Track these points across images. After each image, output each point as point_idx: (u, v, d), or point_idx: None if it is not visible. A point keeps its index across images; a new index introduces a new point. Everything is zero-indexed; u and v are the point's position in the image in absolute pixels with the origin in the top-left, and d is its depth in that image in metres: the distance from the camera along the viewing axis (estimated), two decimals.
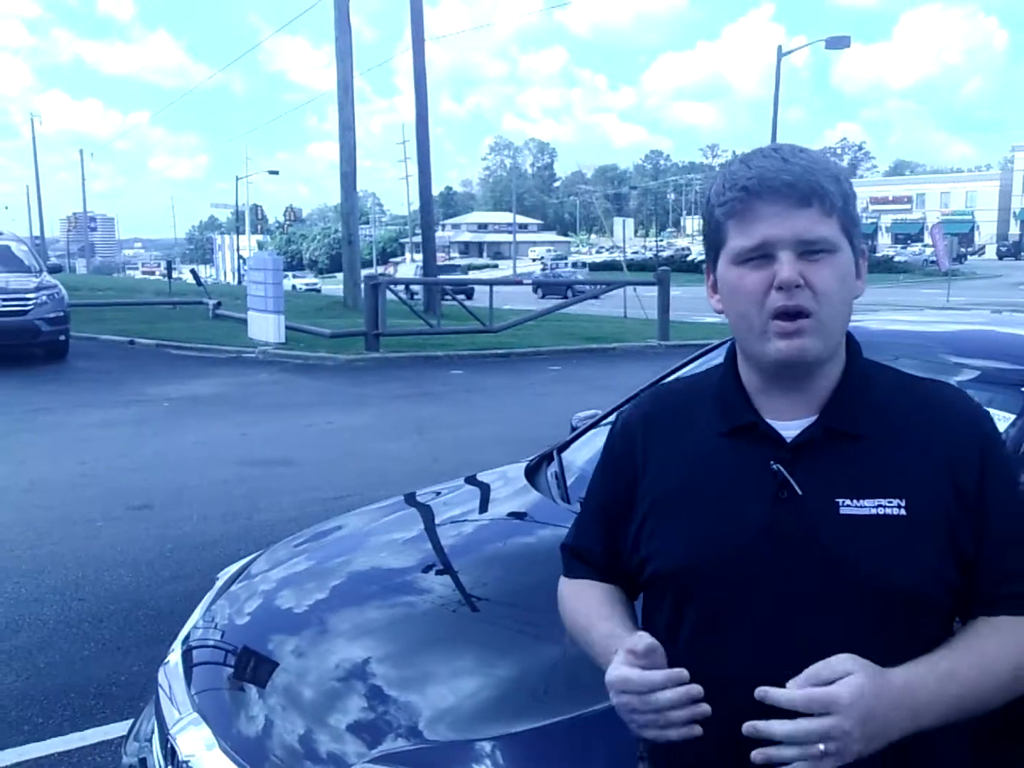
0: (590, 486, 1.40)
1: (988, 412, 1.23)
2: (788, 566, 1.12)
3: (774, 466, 1.15)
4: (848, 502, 1.12)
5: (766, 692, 1.02)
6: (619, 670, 1.09)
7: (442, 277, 26.33)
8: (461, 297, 16.45)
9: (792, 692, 1.01)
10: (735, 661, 1.12)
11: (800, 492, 1.13)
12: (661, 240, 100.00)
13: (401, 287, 18.97)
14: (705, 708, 1.06)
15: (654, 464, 1.26)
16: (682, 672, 1.07)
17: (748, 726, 1.02)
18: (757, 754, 1.02)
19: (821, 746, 1.00)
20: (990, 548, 1.14)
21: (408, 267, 50.04)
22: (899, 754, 1.06)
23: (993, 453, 1.17)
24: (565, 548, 1.42)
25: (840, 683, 1.01)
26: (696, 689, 1.06)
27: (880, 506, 1.12)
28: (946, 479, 1.14)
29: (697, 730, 1.07)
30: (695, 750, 1.11)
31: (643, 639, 1.10)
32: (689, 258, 69.67)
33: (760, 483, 1.16)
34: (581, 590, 1.34)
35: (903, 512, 1.11)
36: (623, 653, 1.11)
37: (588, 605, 1.31)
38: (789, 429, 1.18)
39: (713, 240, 1.19)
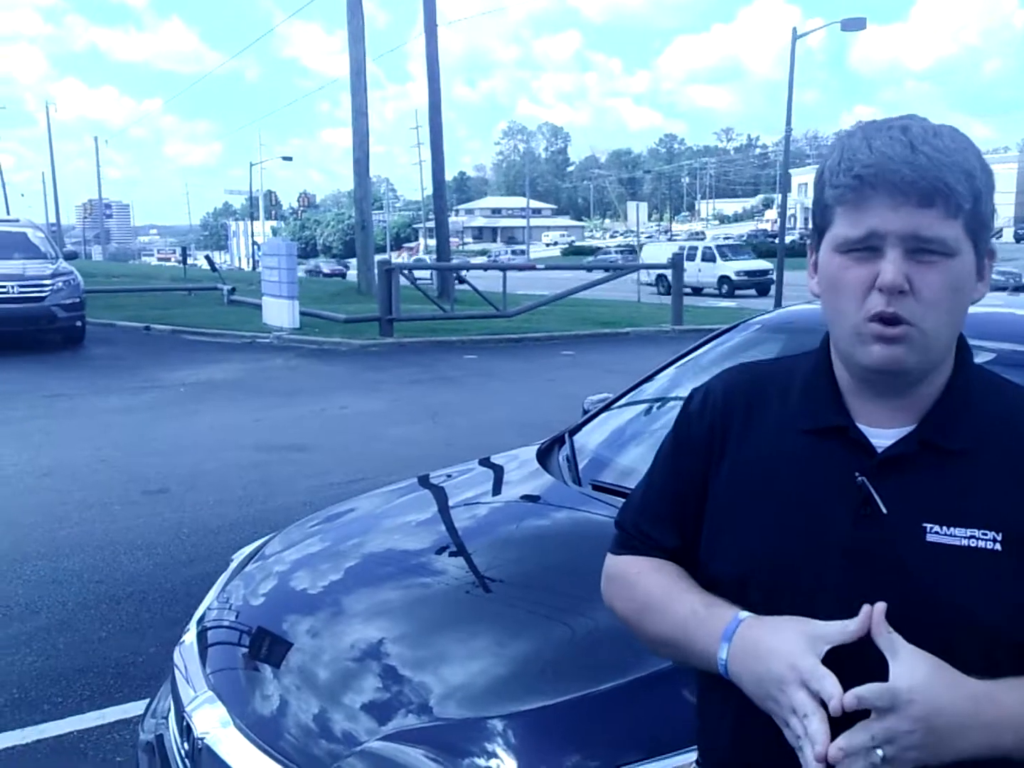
0: (656, 464, 1.27)
1: None
2: (862, 589, 1.01)
3: (859, 479, 1.04)
4: (937, 528, 1.01)
5: (854, 695, 0.93)
6: (813, 662, 0.96)
7: (455, 262, 26.31)
8: (474, 282, 16.43)
9: (862, 688, 0.92)
10: None
11: (885, 511, 1.02)
12: (673, 223, 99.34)
13: (422, 272, 18.95)
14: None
15: (731, 451, 1.15)
16: (837, 701, 0.94)
17: (834, 748, 0.92)
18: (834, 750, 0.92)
19: (880, 752, 0.91)
20: None
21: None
22: None
23: None
24: (620, 527, 1.27)
25: (896, 677, 0.92)
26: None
27: (972, 537, 1.00)
28: None
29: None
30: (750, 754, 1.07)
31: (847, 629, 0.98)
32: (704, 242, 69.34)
33: (841, 495, 1.05)
34: (648, 567, 1.20)
35: (998, 547, 1.00)
36: (805, 636, 0.98)
37: (663, 581, 1.17)
38: (882, 438, 1.06)
39: (819, 219, 1.07)
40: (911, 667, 0.93)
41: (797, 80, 24.26)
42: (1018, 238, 69.28)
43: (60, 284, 13.35)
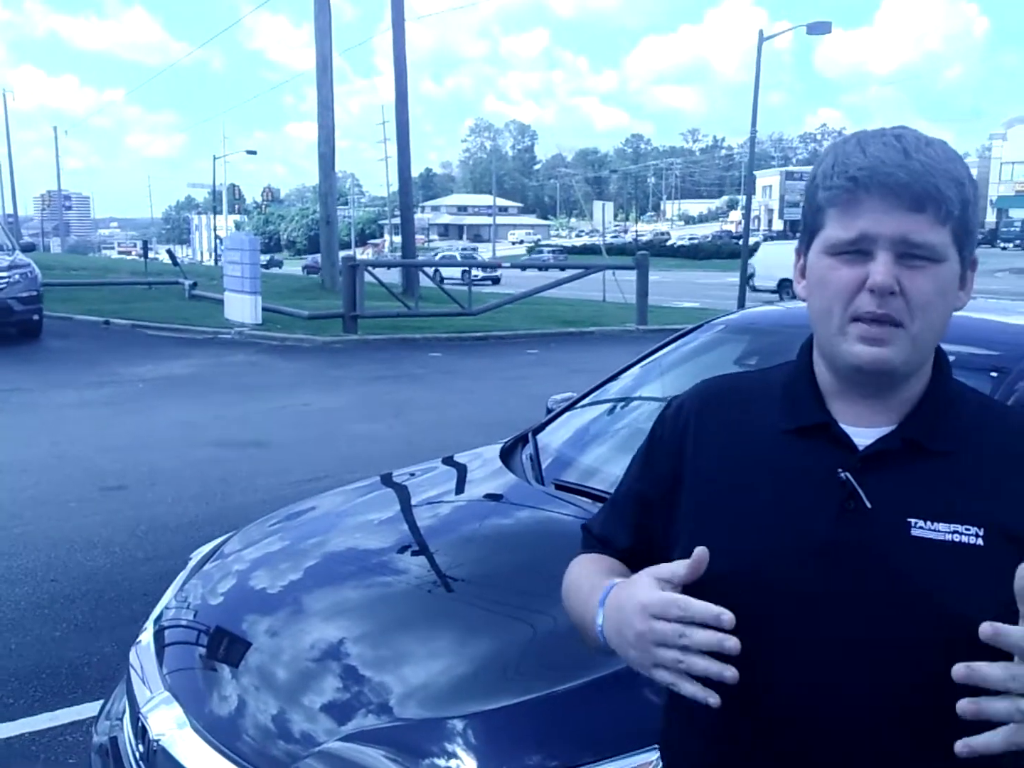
0: (628, 470, 1.29)
1: None
2: (848, 584, 1.02)
3: (842, 474, 1.05)
4: (921, 523, 1.02)
5: (992, 627, 0.88)
6: (660, 593, 0.98)
7: (421, 259, 26.25)
8: (438, 279, 16.42)
9: (1011, 628, 0.88)
10: (780, 678, 1.03)
11: (869, 505, 1.03)
12: (638, 223, 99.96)
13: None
14: (732, 672, 0.94)
15: (705, 457, 1.16)
16: (727, 615, 0.94)
17: (960, 667, 0.88)
18: (967, 703, 0.88)
19: None
20: None
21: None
22: None
23: None
24: (587, 530, 1.31)
25: None
26: (732, 642, 0.94)
27: (956, 532, 1.01)
28: None
29: (713, 698, 0.95)
30: (725, 757, 1.06)
31: (684, 564, 0.99)
32: (668, 243, 69.86)
33: (824, 491, 1.06)
34: (588, 559, 1.24)
35: (981, 542, 1.01)
36: (653, 578, 1.01)
37: (589, 569, 1.21)
38: (863, 437, 1.07)
39: (810, 222, 1.08)
40: None
41: (763, 82, 24.50)
42: (977, 243, 70.40)
43: (17, 277, 13.09)
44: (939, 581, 1.01)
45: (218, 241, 49.12)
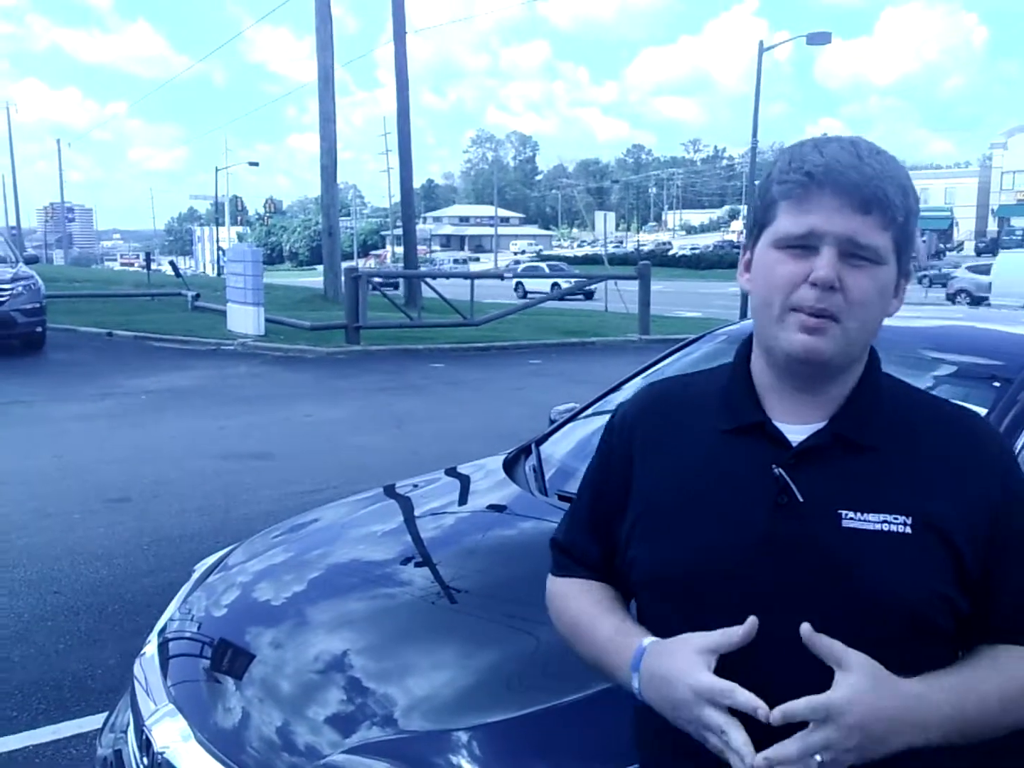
0: (584, 480, 1.34)
1: (1006, 439, 1.19)
2: (784, 575, 1.07)
3: (776, 470, 1.10)
4: (851, 514, 1.08)
5: (780, 712, 0.99)
6: (710, 679, 1.03)
7: (423, 270, 26.29)
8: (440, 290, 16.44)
9: (795, 704, 0.98)
10: (730, 672, 1.05)
11: (801, 499, 1.09)
12: (640, 233, 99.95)
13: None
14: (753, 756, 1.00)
15: (651, 461, 1.21)
16: (763, 709, 0.99)
17: (759, 759, 0.98)
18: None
19: (818, 757, 0.98)
20: (1007, 576, 1.10)
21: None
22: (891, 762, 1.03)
23: (1013, 481, 1.13)
24: (556, 544, 1.36)
25: (836, 687, 0.99)
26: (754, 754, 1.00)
27: (885, 522, 1.07)
28: (959, 501, 1.09)
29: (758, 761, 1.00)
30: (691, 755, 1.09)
31: (735, 634, 1.04)
32: (670, 253, 69.90)
33: (760, 487, 1.11)
34: (576, 590, 1.28)
35: (908, 530, 1.07)
36: (697, 653, 1.05)
37: (586, 605, 1.25)
38: (796, 433, 1.13)
39: (761, 216, 1.13)
40: (854, 677, 0.99)
41: (763, 93, 24.58)
42: (979, 251, 70.48)
43: (20, 289, 13.13)
44: (871, 568, 1.06)
45: (220, 253, 49.21)
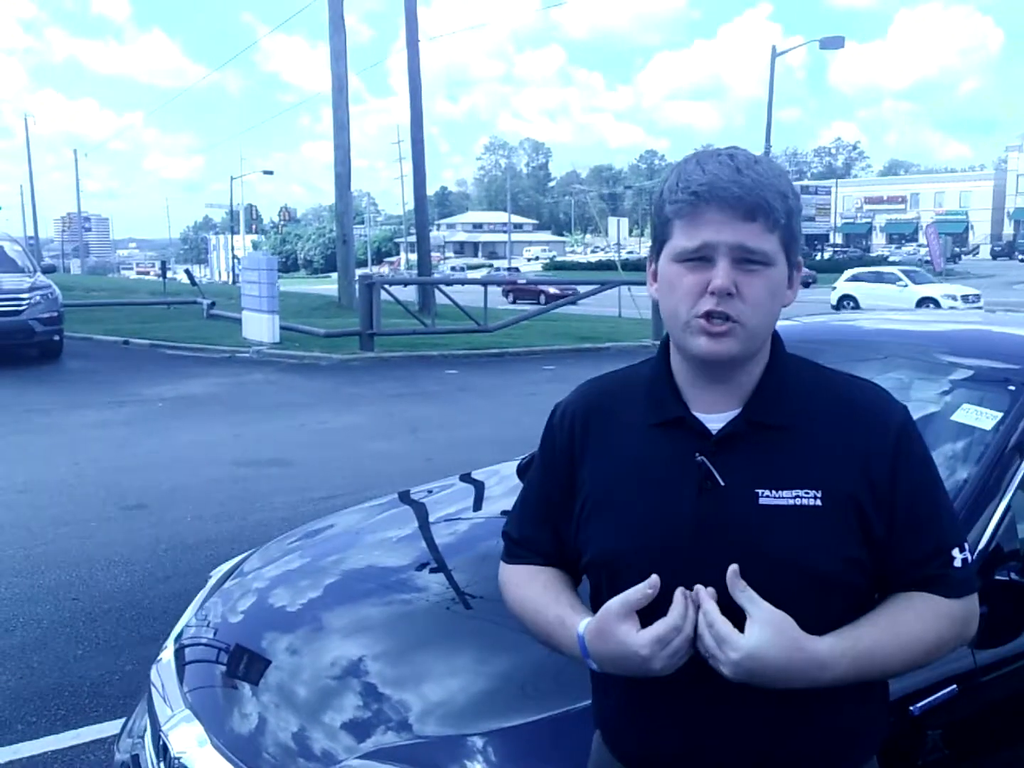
0: (530, 476, 1.44)
1: (905, 407, 1.27)
2: (712, 555, 1.17)
3: (699, 458, 1.21)
4: (767, 493, 1.19)
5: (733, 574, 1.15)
6: (654, 629, 1.15)
7: (437, 276, 26.35)
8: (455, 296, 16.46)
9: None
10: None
11: (723, 483, 1.20)
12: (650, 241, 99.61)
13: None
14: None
15: (591, 455, 1.31)
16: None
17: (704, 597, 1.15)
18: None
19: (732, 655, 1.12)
20: (902, 533, 1.21)
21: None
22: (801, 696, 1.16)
23: (905, 446, 1.23)
24: (508, 536, 1.44)
25: (746, 634, 1.12)
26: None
27: (797, 496, 1.18)
28: (860, 470, 1.20)
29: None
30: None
31: (638, 590, 1.17)
32: None
33: (687, 475, 1.21)
34: (525, 577, 1.38)
35: (819, 503, 1.18)
36: (623, 620, 1.16)
37: (533, 592, 1.34)
38: (715, 422, 1.23)
39: (660, 233, 1.23)
40: (759, 628, 1.12)
41: (777, 97, 24.57)
42: (994, 255, 70.07)
43: (38, 298, 13.24)
44: (788, 541, 1.18)
45: (236, 261, 49.44)
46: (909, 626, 1.20)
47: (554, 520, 1.35)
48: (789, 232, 1.19)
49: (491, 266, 59.99)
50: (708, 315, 1.16)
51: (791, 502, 1.18)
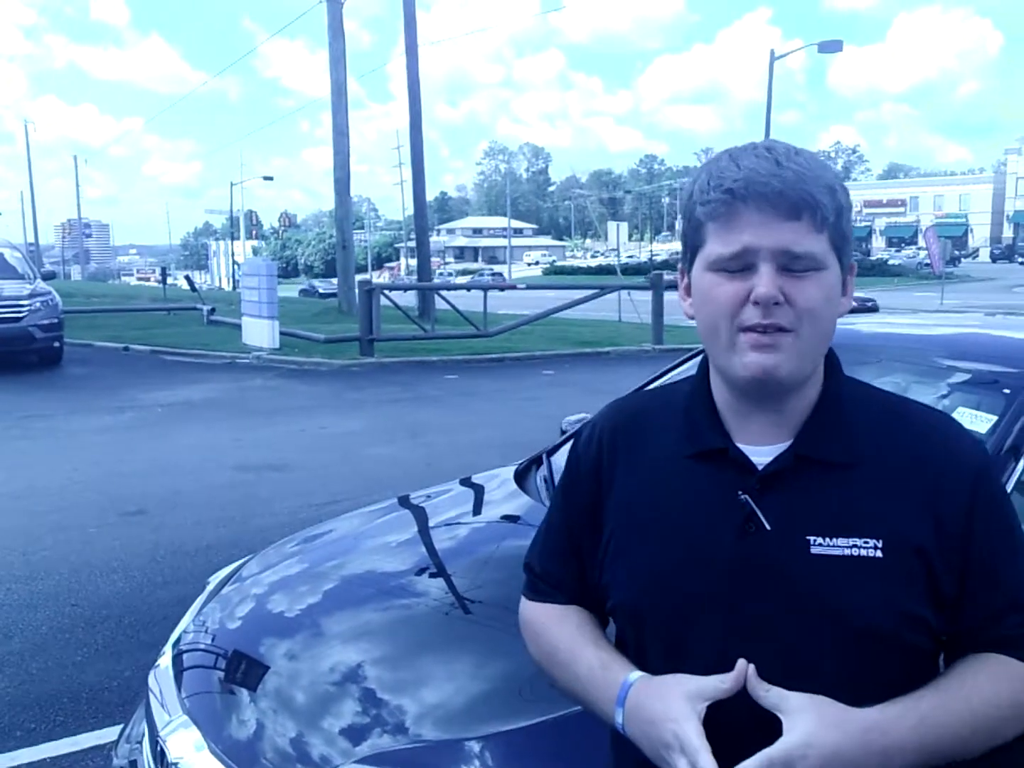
0: (554, 502, 1.31)
1: (983, 444, 1.13)
2: (754, 605, 1.05)
3: (742, 497, 1.07)
4: (820, 540, 1.04)
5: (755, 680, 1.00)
6: (694, 738, 0.99)
7: (436, 282, 26.35)
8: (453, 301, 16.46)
9: (748, 763, 0.96)
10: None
11: (768, 527, 1.05)
12: (653, 243, 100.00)
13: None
14: None
15: (619, 484, 1.17)
16: None
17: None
18: None
19: None
20: (975, 588, 1.06)
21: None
22: None
23: (985, 490, 1.07)
24: (530, 570, 1.31)
25: (787, 732, 0.96)
26: None
27: (855, 546, 1.03)
28: (928, 515, 1.05)
29: None
30: None
31: (727, 679, 1.02)
32: None
33: (727, 514, 1.07)
34: (554, 617, 1.24)
35: (879, 554, 1.03)
36: (687, 700, 1.01)
37: (565, 634, 1.20)
38: (761, 455, 1.09)
39: (691, 240, 1.08)
40: (801, 719, 0.96)
41: (776, 101, 24.60)
42: (994, 258, 70.11)
43: (38, 304, 13.26)
44: (841, 596, 1.02)
45: (236, 267, 49.49)
46: (980, 689, 1.03)
47: (578, 553, 1.22)
48: (839, 231, 1.04)
49: (479, 272, 60.19)
50: (754, 328, 1.01)
51: (847, 552, 1.03)
